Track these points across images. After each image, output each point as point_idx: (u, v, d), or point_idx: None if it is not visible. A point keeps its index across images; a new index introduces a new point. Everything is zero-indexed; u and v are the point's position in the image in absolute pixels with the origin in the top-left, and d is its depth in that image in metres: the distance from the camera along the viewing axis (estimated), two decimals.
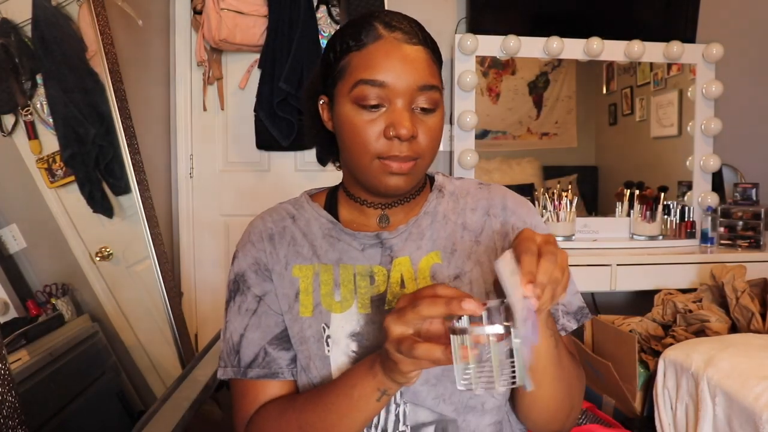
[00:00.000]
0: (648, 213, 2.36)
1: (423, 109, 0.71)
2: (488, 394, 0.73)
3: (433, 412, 0.72)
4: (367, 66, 0.69)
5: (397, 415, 0.72)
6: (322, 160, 2.36)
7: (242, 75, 2.39)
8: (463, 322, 0.56)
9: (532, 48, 2.34)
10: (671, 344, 1.65)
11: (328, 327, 0.74)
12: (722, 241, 2.34)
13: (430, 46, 0.73)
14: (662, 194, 2.40)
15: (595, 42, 2.33)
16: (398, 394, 0.72)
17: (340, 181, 0.84)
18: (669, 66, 2.49)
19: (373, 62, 0.69)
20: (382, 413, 0.72)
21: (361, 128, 0.70)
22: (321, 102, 0.78)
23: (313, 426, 0.69)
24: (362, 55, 0.70)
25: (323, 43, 2.30)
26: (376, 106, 0.70)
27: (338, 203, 0.83)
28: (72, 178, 1.41)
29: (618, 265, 2.10)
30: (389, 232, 0.78)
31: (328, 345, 0.74)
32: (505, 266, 0.55)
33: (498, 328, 0.54)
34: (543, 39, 2.33)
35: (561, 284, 0.56)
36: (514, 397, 0.78)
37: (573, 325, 0.79)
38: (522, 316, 0.53)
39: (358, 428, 0.67)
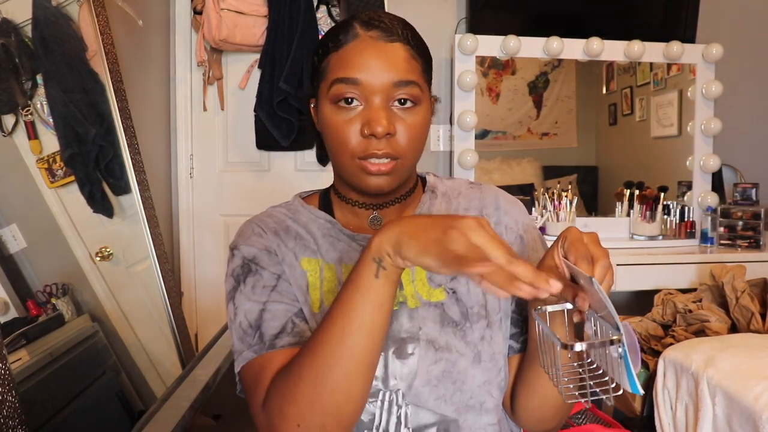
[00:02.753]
0: (648, 213, 2.36)
1: (402, 106, 0.70)
2: (487, 394, 0.73)
3: (435, 413, 0.71)
4: (343, 65, 0.69)
5: (399, 417, 0.71)
6: (323, 160, 2.36)
7: (242, 75, 2.39)
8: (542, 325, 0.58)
9: (532, 48, 2.34)
10: (671, 344, 1.65)
11: None
12: (722, 241, 2.34)
13: (412, 43, 0.72)
14: (662, 194, 2.40)
15: (595, 42, 2.33)
16: (400, 396, 0.71)
17: (331, 183, 0.84)
18: (669, 66, 2.49)
19: (348, 61, 0.69)
20: (384, 415, 0.71)
21: (339, 128, 0.70)
22: (312, 105, 0.78)
23: (323, 342, 0.60)
24: (339, 55, 0.70)
25: None
26: (353, 105, 0.69)
27: (332, 205, 0.82)
28: (72, 178, 1.41)
29: (618, 265, 2.10)
30: None
31: None
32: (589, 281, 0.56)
33: (615, 333, 0.53)
34: (543, 39, 2.33)
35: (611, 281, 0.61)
36: (514, 397, 0.78)
37: None
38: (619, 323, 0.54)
39: (368, 325, 0.59)
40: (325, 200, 0.83)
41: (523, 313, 0.78)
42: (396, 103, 0.70)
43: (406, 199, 0.80)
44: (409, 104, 0.70)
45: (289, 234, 0.77)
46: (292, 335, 0.69)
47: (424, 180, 0.85)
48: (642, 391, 0.53)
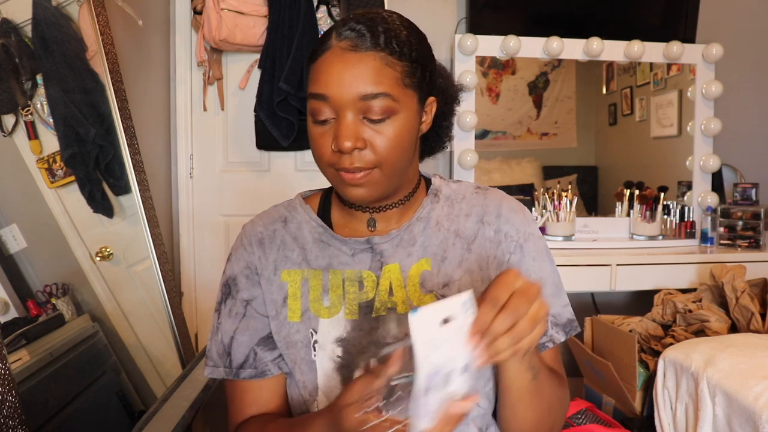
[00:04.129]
0: (648, 213, 2.36)
1: (374, 119, 0.68)
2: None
3: None
4: (314, 80, 0.70)
5: None
6: None
7: (242, 75, 2.39)
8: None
9: (532, 48, 2.35)
10: (671, 344, 1.65)
11: (316, 332, 0.75)
12: (722, 241, 2.34)
13: (389, 48, 0.68)
14: (662, 194, 2.40)
15: (595, 42, 2.33)
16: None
17: None
18: (669, 66, 2.49)
19: (318, 75, 0.69)
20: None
21: (316, 141, 0.71)
22: None
23: None
24: (314, 68, 0.70)
25: None
26: (326, 119, 0.69)
27: (331, 206, 0.83)
28: (72, 178, 1.41)
29: (618, 265, 2.10)
30: (380, 236, 0.77)
31: (314, 350, 0.74)
32: (422, 327, 0.54)
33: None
34: (543, 39, 2.33)
35: (529, 337, 0.56)
36: (496, 408, 0.78)
37: (561, 337, 0.79)
38: (423, 387, 0.54)
39: None
40: (325, 201, 0.83)
41: None
42: (369, 116, 0.68)
43: (406, 203, 0.79)
44: (379, 117, 0.68)
45: (274, 243, 0.79)
46: (252, 368, 0.77)
47: (429, 182, 0.84)
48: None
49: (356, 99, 0.67)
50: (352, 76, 0.67)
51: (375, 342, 0.73)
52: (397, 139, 0.69)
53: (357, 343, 0.74)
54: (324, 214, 0.82)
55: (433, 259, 0.77)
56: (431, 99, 0.75)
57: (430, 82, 0.74)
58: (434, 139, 0.84)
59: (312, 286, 0.76)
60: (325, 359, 0.74)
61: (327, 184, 0.87)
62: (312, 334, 0.75)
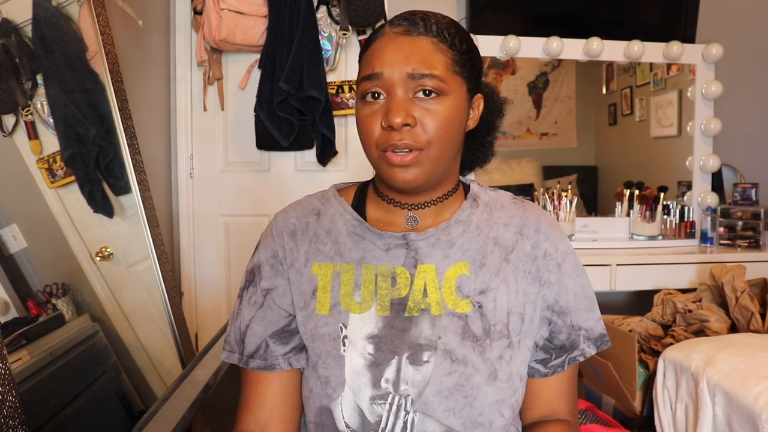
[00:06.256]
0: (648, 213, 2.36)
1: (426, 97, 0.70)
2: (497, 413, 0.73)
3: (442, 424, 0.71)
4: (368, 62, 0.72)
5: (405, 422, 0.71)
6: (323, 160, 2.36)
7: (242, 75, 2.39)
8: None
9: (532, 48, 2.35)
10: (671, 344, 1.65)
11: (346, 327, 0.74)
12: (722, 241, 2.34)
13: (441, 36, 0.71)
14: (662, 194, 2.40)
15: (595, 42, 2.34)
16: (409, 402, 0.72)
17: (372, 177, 0.85)
18: (669, 66, 2.50)
19: (371, 57, 0.72)
20: (391, 419, 0.72)
21: (364, 122, 0.72)
22: None
23: None
24: (367, 55, 0.73)
25: (323, 43, 2.30)
26: (376, 97, 0.71)
27: (367, 200, 0.83)
28: (72, 178, 1.41)
29: (618, 265, 2.11)
30: (417, 233, 0.77)
31: (344, 345, 0.74)
32: None
33: None
34: (543, 39, 2.33)
35: None
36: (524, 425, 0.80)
37: (592, 351, 0.80)
38: None
39: None
40: (360, 194, 0.83)
41: (554, 341, 0.79)
42: (420, 94, 0.70)
43: (443, 202, 0.79)
44: (432, 94, 0.70)
45: (306, 235, 0.79)
46: (261, 359, 0.78)
47: (467, 187, 0.85)
48: None
49: (407, 77, 0.69)
50: (404, 55, 0.70)
51: (408, 342, 0.73)
52: (446, 120, 0.71)
53: (389, 341, 0.73)
54: (359, 207, 0.82)
55: (471, 263, 0.76)
56: (479, 96, 0.78)
57: (478, 80, 0.77)
58: (478, 149, 0.86)
59: (344, 281, 0.76)
60: (355, 355, 0.73)
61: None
62: (341, 329, 0.74)
